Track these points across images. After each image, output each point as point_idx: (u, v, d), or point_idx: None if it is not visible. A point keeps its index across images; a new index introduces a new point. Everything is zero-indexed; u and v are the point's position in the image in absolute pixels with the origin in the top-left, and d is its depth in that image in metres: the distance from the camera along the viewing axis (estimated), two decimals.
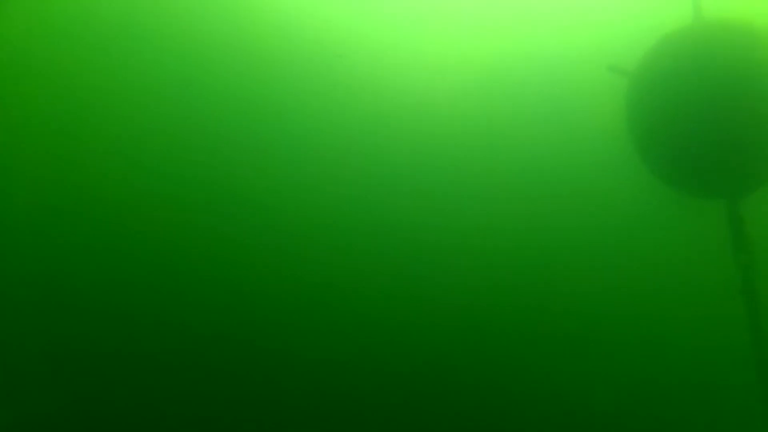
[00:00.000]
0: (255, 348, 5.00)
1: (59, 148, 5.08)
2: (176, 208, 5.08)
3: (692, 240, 4.79)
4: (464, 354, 5.02)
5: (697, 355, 4.74)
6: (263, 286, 5.07)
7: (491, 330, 5.02)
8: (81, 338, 4.90)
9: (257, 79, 5.21)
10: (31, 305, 4.90)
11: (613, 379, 4.84)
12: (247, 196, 5.16)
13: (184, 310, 5.02)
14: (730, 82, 4.29)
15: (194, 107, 5.20)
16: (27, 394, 4.77)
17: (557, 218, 5.10)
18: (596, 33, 5.06)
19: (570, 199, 5.10)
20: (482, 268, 5.12)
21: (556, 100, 5.15)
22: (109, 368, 4.90)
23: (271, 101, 5.22)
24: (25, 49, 5.04)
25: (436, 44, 5.28)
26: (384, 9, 5.32)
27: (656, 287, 4.91)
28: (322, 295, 5.09)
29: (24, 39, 5.04)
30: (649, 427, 4.84)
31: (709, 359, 4.70)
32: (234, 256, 5.10)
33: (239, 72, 5.21)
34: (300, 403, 4.97)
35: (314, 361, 5.00)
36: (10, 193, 4.98)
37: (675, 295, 4.84)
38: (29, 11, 5.06)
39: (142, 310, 4.99)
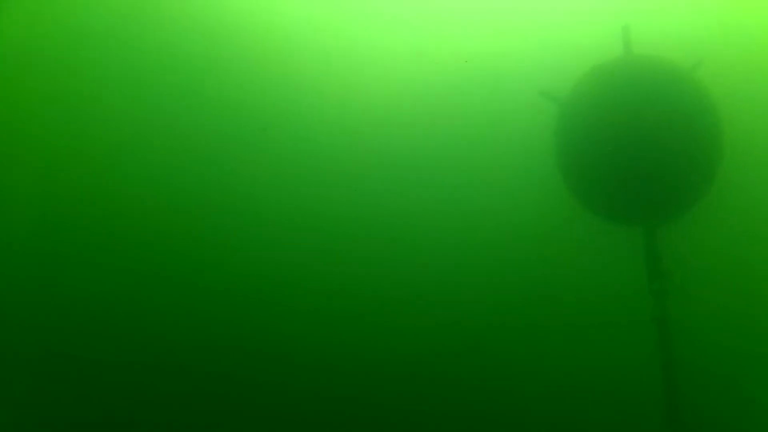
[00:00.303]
0: (253, 350, 4.95)
1: (58, 148, 5.03)
2: (176, 207, 5.02)
3: (609, 265, 4.87)
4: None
5: (607, 379, 4.77)
6: (260, 288, 5.02)
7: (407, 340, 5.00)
8: (81, 339, 4.84)
9: (256, 80, 5.16)
10: (31, 306, 4.86)
11: (523, 398, 4.85)
12: (246, 197, 5.11)
13: (184, 311, 4.97)
14: (654, 116, 4.46)
15: (194, 107, 5.14)
16: (27, 395, 4.73)
17: (476, 229, 5.16)
18: (529, 59, 5.15)
19: (491, 213, 5.14)
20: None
21: (487, 119, 5.19)
22: (109, 369, 4.85)
23: (270, 102, 5.17)
24: (24, 49, 5.00)
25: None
26: (380, 9, 5.36)
27: (570, 309, 4.94)
28: (318, 297, 5.06)
29: (23, 39, 4.99)
30: None
31: (620, 384, 4.72)
32: (232, 258, 5.05)
33: (237, 73, 5.17)
34: (297, 407, 4.92)
35: (312, 363, 4.96)
36: (9, 193, 4.91)
37: (588, 319, 4.88)
38: (29, 11, 4.99)
39: (141, 311, 4.95)
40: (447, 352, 5.01)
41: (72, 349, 4.81)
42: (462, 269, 5.07)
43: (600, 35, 4.84)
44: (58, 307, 4.86)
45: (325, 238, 5.12)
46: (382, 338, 5.02)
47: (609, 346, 4.77)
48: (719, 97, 4.54)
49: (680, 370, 4.23)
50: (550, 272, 4.96)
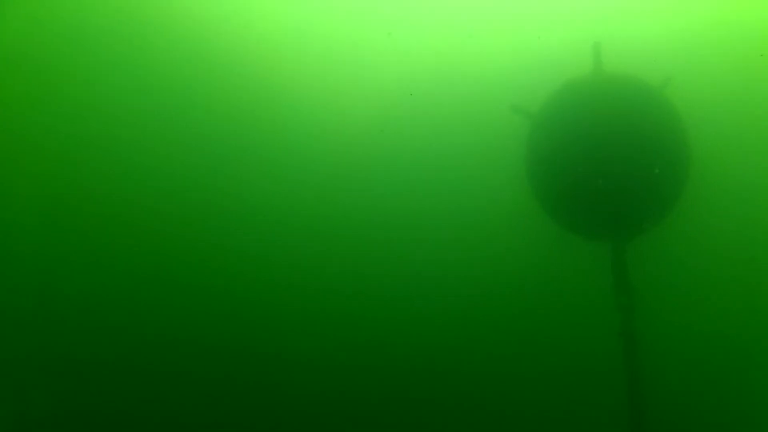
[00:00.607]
0: (252, 349, 4.93)
1: (58, 147, 5.02)
2: (175, 207, 5.03)
3: (576, 279, 4.91)
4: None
5: (573, 391, 4.81)
6: (259, 287, 5.03)
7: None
8: (81, 339, 4.84)
9: (255, 80, 5.17)
10: (31, 306, 4.85)
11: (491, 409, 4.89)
12: (244, 196, 5.12)
13: (184, 311, 4.98)
14: (623, 132, 4.51)
15: (194, 107, 5.15)
16: (27, 395, 4.71)
17: (444, 244, 5.19)
18: (503, 71, 5.19)
19: (458, 225, 5.17)
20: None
21: (458, 126, 5.23)
22: (109, 369, 4.84)
23: (270, 103, 5.18)
24: (24, 49, 4.98)
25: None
26: (378, 9, 5.38)
27: (538, 323, 4.97)
28: (315, 297, 5.09)
29: (23, 39, 4.98)
30: None
31: (585, 396, 4.76)
32: (230, 259, 5.07)
33: (237, 75, 5.18)
34: (296, 404, 4.95)
35: (311, 363, 4.98)
36: (9, 193, 4.89)
37: (555, 332, 4.92)
38: (29, 11, 4.99)
39: (142, 311, 4.96)
40: (421, 358, 5.03)
41: (72, 347, 4.82)
42: (429, 282, 5.08)
43: (572, 51, 4.88)
44: (58, 307, 4.88)
45: (315, 236, 5.14)
46: (363, 337, 5.05)
47: (576, 360, 4.80)
48: (687, 114, 4.61)
49: (645, 385, 4.25)
50: (518, 285, 4.98)
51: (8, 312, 4.78)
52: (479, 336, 4.99)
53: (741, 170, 4.92)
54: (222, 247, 5.05)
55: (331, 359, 4.98)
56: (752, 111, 4.96)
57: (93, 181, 5.00)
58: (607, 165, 4.48)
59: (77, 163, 5.01)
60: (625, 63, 4.70)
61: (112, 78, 5.07)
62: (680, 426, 4.59)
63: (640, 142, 4.51)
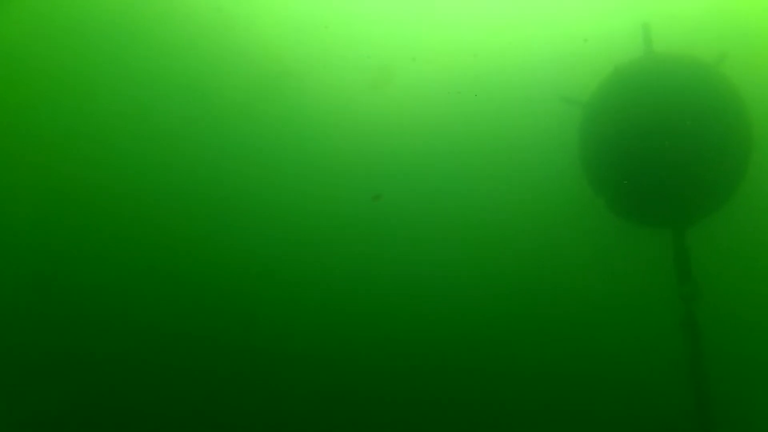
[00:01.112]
0: (253, 347, 4.98)
1: (59, 146, 5.09)
2: (176, 205, 5.09)
3: (637, 269, 4.77)
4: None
5: (635, 383, 4.68)
6: (272, 285, 5.07)
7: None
8: (81, 338, 4.87)
9: (255, 78, 5.22)
10: (32, 305, 4.89)
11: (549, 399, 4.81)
12: (246, 194, 5.16)
13: (184, 310, 5.02)
14: (679, 114, 4.32)
15: (195, 106, 5.21)
16: (27, 395, 4.75)
17: (501, 240, 5.11)
18: (548, 63, 5.08)
19: (516, 223, 5.10)
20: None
21: (510, 129, 5.15)
22: (109, 368, 4.88)
23: (270, 100, 5.21)
24: (24, 48, 5.06)
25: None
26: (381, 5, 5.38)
27: (599, 315, 4.87)
28: (317, 294, 5.09)
29: (24, 38, 5.05)
30: None
31: (648, 388, 4.65)
32: (231, 256, 5.09)
33: (237, 72, 5.22)
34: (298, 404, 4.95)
35: (312, 360, 4.98)
36: (10, 192, 4.98)
37: (616, 323, 4.80)
38: (30, 11, 5.07)
39: (142, 309, 4.99)
40: (474, 354, 5.01)
41: (72, 348, 4.85)
42: (486, 275, 5.04)
43: (619, 35, 4.73)
44: (58, 307, 4.93)
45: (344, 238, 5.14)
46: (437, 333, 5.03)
47: (637, 351, 4.67)
48: (747, 91, 4.37)
49: (710, 375, 4.10)
50: (577, 278, 4.89)
51: (8, 311, 4.85)
52: (540, 329, 4.94)
53: None
54: (239, 247, 5.12)
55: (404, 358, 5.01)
56: None
57: (94, 178, 5.09)
58: (665, 149, 4.32)
59: (78, 160, 5.09)
60: (675, 42, 4.52)
61: (113, 76, 5.16)
62: (747, 418, 4.40)
63: (699, 124, 4.32)
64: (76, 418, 4.73)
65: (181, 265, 5.01)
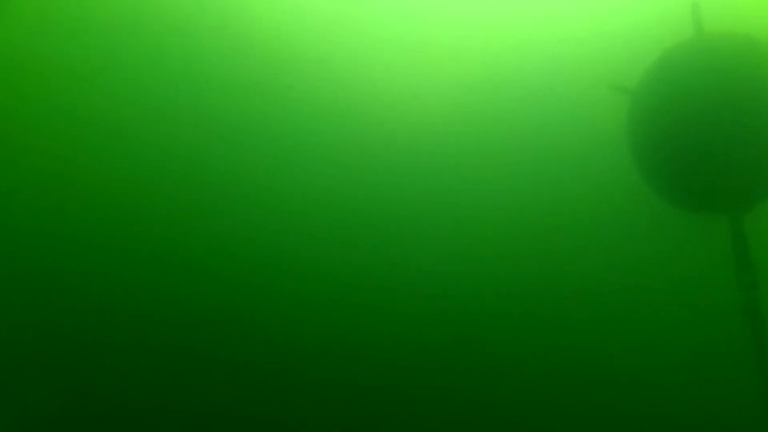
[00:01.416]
0: (255, 344, 4.99)
1: (60, 145, 5.10)
2: (176, 203, 5.09)
3: (694, 258, 4.68)
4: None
5: (697, 378, 4.62)
6: (261, 280, 5.06)
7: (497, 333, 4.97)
8: (81, 338, 4.89)
9: (257, 75, 5.19)
10: (31, 305, 4.90)
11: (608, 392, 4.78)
12: (248, 191, 5.16)
13: (185, 309, 5.02)
14: (732, 96, 4.19)
15: (196, 105, 5.20)
16: (27, 394, 4.76)
17: (557, 231, 5.05)
18: (598, 47, 4.96)
19: (569, 214, 5.05)
20: (480, 272, 5.09)
21: (556, 118, 5.10)
22: (110, 367, 4.89)
23: (270, 97, 5.18)
24: (25, 47, 5.06)
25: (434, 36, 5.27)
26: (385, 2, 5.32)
27: (657, 307, 4.80)
28: (321, 290, 5.08)
29: (24, 38, 5.05)
30: None
31: (712, 383, 4.57)
32: (233, 252, 5.09)
33: (237, 67, 5.18)
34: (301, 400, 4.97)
35: (315, 358, 4.99)
36: (11, 191, 4.99)
37: (676, 315, 4.73)
38: (30, 11, 5.07)
39: (143, 308, 4.99)
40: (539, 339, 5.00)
41: (72, 348, 4.86)
42: (544, 265, 5.00)
43: (667, 16, 4.59)
44: (58, 306, 4.91)
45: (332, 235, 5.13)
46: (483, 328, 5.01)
47: (696, 342, 4.58)
48: None
49: None
50: (633, 270, 4.82)
51: (8, 311, 4.84)
52: (596, 322, 4.90)
53: None
54: (244, 240, 5.08)
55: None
56: None
57: (95, 176, 5.07)
58: (718, 133, 4.20)
59: (79, 159, 5.07)
60: (727, 21, 4.37)
61: (116, 75, 5.14)
62: None
63: (755, 106, 4.19)
64: (76, 419, 4.73)
65: (186, 262, 5.05)
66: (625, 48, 4.75)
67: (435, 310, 5.03)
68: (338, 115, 5.19)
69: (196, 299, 5.04)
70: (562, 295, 5.01)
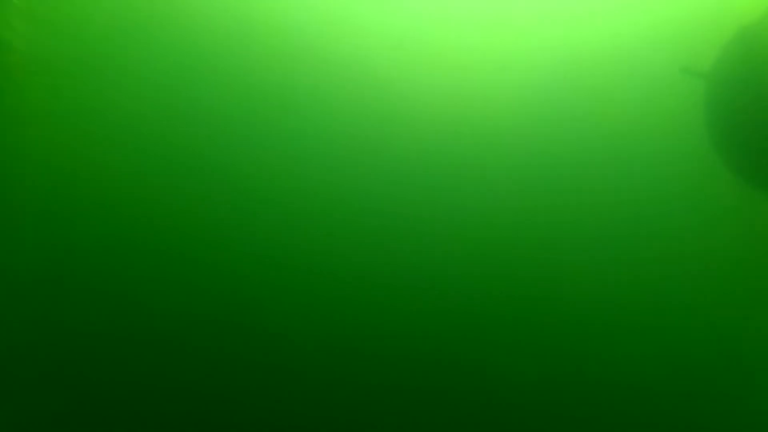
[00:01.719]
0: (257, 342, 4.81)
1: (62, 144, 4.88)
2: (178, 202, 4.89)
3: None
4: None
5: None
6: (264, 279, 4.87)
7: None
8: (82, 336, 4.69)
9: (268, 74, 5.02)
10: (32, 304, 4.70)
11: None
12: (256, 191, 4.96)
13: (186, 307, 4.82)
14: None
15: (198, 104, 5.00)
16: (27, 394, 4.61)
17: (637, 219, 4.90)
18: (665, 33, 4.81)
19: (649, 199, 4.88)
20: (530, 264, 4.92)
21: (630, 100, 4.93)
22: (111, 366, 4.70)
23: (281, 98, 5.02)
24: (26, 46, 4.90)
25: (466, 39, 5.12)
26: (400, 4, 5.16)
27: (737, 288, 4.62)
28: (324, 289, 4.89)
29: (25, 37, 4.89)
30: None
31: None
32: (237, 252, 4.90)
33: (248, 67, 5.03)
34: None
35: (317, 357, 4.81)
36: (13, 190, 4.80)
37: (755, 296, 4.54)
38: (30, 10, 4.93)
39: (144, 306, 4.79)
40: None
41: (74, 347, 4.66)
42: (626, 250, 4.83)
43: None
44: (59, 305, 4.71)
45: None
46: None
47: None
48: None
49: None
50: (712, 252, 4.66)
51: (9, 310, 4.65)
52: (661, 304, 4.72)
53: None
54: (246, 240, 4.92)
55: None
56: None
57: (97, 175, 4.86)
58: None
59: (80, 158, 4.85)
60: None
61: (117, 73, 4.94)
62: None
63: None
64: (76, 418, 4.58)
65: (187, 261, 4.87)
66: (697, 29, 4.57)
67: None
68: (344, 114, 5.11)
69: (196, 297, 4.88)
70: (646, 280, 4.82)
